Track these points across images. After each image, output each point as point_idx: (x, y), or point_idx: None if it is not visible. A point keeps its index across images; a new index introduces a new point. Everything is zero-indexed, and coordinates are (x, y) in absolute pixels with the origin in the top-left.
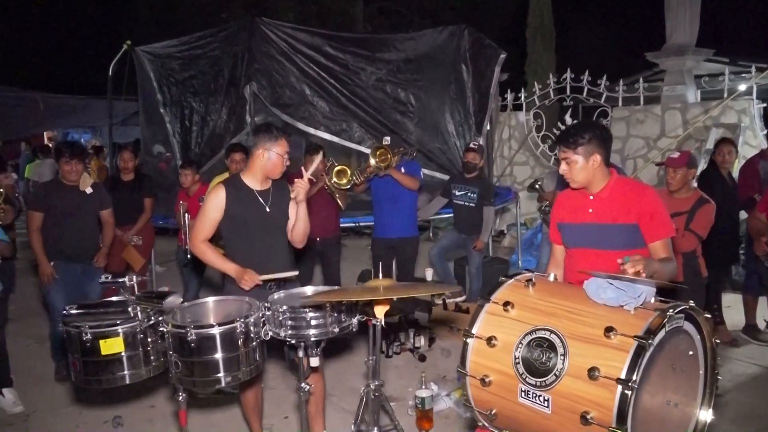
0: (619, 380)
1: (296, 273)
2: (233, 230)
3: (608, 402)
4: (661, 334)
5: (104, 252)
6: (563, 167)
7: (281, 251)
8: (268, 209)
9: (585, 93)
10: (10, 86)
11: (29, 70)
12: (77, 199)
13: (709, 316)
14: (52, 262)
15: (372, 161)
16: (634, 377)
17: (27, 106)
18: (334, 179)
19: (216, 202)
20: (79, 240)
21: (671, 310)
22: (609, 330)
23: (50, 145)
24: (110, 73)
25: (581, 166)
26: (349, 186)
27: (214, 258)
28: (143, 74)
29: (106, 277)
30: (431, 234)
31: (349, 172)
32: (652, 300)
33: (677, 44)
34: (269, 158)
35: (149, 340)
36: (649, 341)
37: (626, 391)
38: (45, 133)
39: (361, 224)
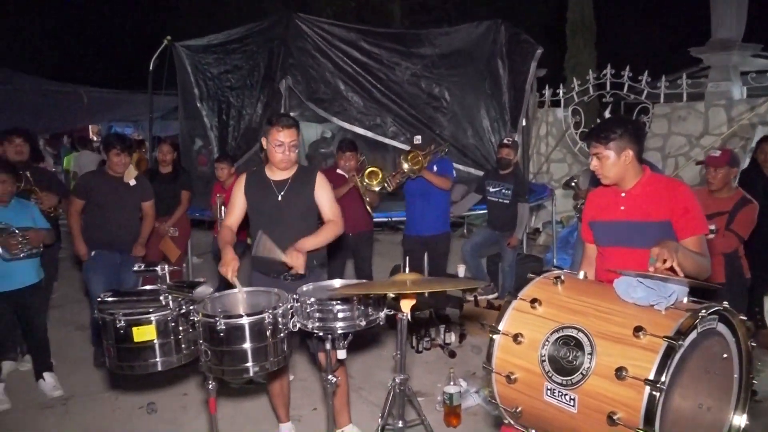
0: (647, 381)
1: (282, 259)
2: (252, 217)
3: (636, 403)
4: (693, 335)
5: (141, 242)
6: (594, 163)
7: (296, 241)
8: (279, 198)
9: (625, 89)
10: (55, 81)
11: (73, 65)
12: (120, 190)
13: (745, 318)
14: (93, 251)
15: (405, 166)
16: (662, 378)
17: (72, 101)
18: (366, 180)
19: (237, 188)
20: (120, 230)
21: (704, 311)
22: (638, 330)
23: (95, 138)
24: (151, 68)
25: (612, 161)
26: (379, 188)
27: (221, 240)
28: (182, 69)
29: (140, 266)
30: (465, 230)
31: (380, 174)
32: (685, 300)
33: (723, 39)
34: (268, 147)
35: (181, 328)
36: (680, 342)
37: (654, 393)
38: (90, 127)
39: (394, 219)
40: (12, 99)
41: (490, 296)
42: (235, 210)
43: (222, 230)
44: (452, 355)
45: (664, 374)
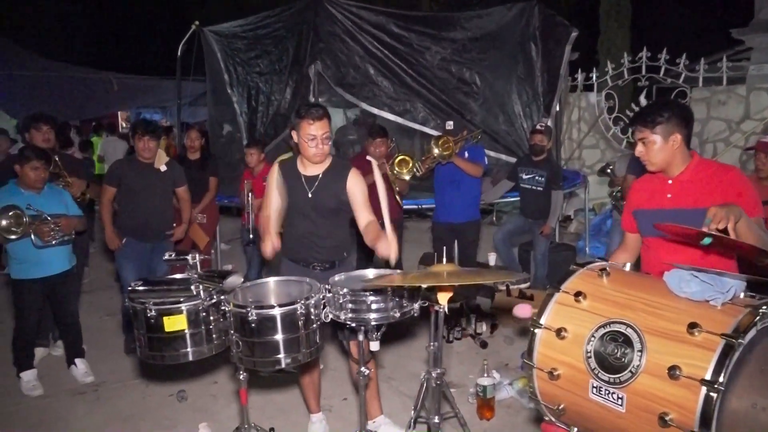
0: (703, 381)
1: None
2: (287, 210)
3: (690, 404)
4: (752, 333)
5: (183, 228)
6: (639, 148)
7: (329, 237)
8: (310, 195)
9: (662, 72)
10: (85, 67)
11: (103, 51)
12: (151, 176)
13: None
14: (124, 239)
15: (435, 151)
16: (720, 379)
17: (101, 87)
18: (396, 169)
19: (272, 177)
20: (151, 217)
21: (765, 307)
22: (693, 326)
23: (124, 125)
24: (179, 54)
25: (659, 146)
26: (409, 176)
27: (262, 227)
28: (210, 54)
29: (170, 255)
30: (494, 218)
31: (411, 163)
32: (742, 295)
33: (766, 20)
34: (299, 140)
35: (211, 318)
36: (739, 340)
37: (711, 394)
38: (119, 114)
39: (423, 207)
40: (42, 85)
41: (523, 285)
42: (272, 202)
43: (263, 221)
44: (484, 345)
45: (722, 374)
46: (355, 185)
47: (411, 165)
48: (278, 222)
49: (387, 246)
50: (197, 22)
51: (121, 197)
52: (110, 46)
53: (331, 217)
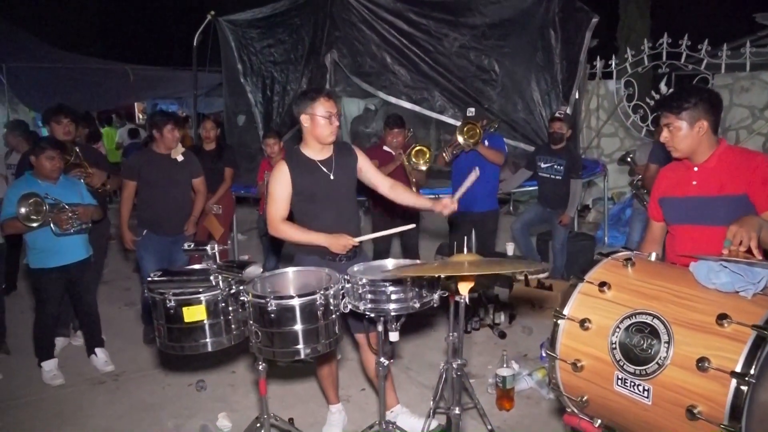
0: (733, 373)
1: (413, 226)
2: (301, 204)
3: (720, 397)
4: None
5: (193, 220)
6: (664, 134)
7: (352, 219)
8: (332, 177)
9: (683, 59)
10: (101, 59)
11: (118, 42)
12: (169, 167)
13: None
14: (144, 231)
15: (460, 139)
16: (751, 371)
17: (118, 78)
18: (413, 159)
19: (282, 178)
20: (171, 209)
21: None
22: (722, 317)
23: (140, 116)
24: (195, 44)
25: (685, 133)
26: (426, 167)
27: (299, 235)
28: (226, 44)
29: (189, 245)
30: (511, 208)
31: (428, 153)
32: None
33: None
34: (314, 122)
35: (230, 308)
36: None
37: (742, 386)
38: (136, 105)
39: (440, 196)
40: (59, 77)
41: (541, 275)
42: (283, 203)
43: (290, 229)
44: (502, 335)
45: (753, 367)
46: (364, 159)
47: (428, 155)
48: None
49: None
50: (213, 12)
51: (140, 190)
52: (126, 37)
53: (351, 197)
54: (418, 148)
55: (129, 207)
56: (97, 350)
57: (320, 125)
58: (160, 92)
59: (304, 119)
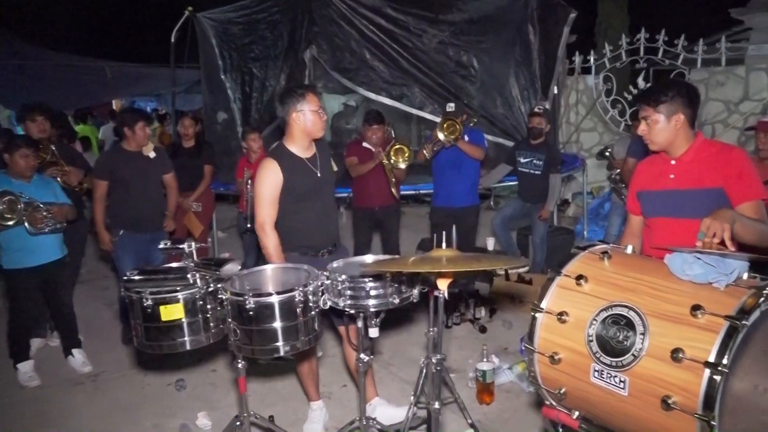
0: (707, 363)
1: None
2: (289, 203)
3: (694, 387)
4: (756, 314)
5: (170, 216)
6: (642, 127)
7: (332, 215)
8: (319, 174)
9: (660, 54)
10: (78, 55)
11: (95, 39)
12: (142, 164)
13: None
14: (122, 231)
15: (440, 135)
16: (724, 361)
17: (95, 75)
18: (393, 158)
19: (274, 179)
20: (147, 206)
21: None
22: (696, 308)
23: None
24: (172, 40)
25: (662, 126)
26: (405, 165)
27: (275, 250)
28: (205, 40)
29: (165, 243)
30: (492, 202)
31: (407, 152)
32: (745, 276)
33: None
34: (307, 119)
35: (209, 306)
36: (743, 322)
37: (715, 376)
38: (113, 102)
39: (421, 192)
40: (35, 75)
41: (521, 270)
42: (276, 203)
43: (275, 239)
44: (483, 330)
45: (726, 356)
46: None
47: (407, 154)
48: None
49: None
50: (190, 8)
51: (114, 190)
52: (103, 34)
53: (332, 194)
54: (397, 146)
55: (103, 208)
56: (75, 351)
57: (313, 121)
58: (139, 89)
59: (296, 117)
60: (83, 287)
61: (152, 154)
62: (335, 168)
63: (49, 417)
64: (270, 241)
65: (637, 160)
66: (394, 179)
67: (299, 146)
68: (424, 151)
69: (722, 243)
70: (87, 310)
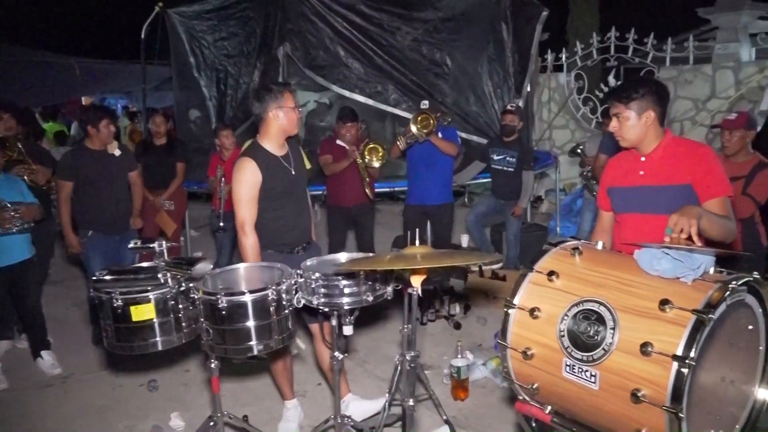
0: (674, 357)
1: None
2: (265, 202)
3: (662, 380)
4: (722, 307)
5: (136, 213)
6: (613, 124)
7: (305, 213)
8: (293, 172)
9: (630, 52)
10: (46, 51)
11: (63, 34)
12: (107, 163)
13: None
14: (90, 232)
15: (413, 128)
16: (691, 354)
17: (64, 72)
18: (366, 156)
19: (253, 178)
20: (115, 206)
21: (734, 283)
22: (664, 303)
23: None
24: (143, 37)
25: (633, 122)
26: (379, 164)
27: (252, 251)
28: (176, 37)
29: (136, 243)
30: (466, 200)
31: (381, 151)
32: (711, 270)
33: None
34: (284, 116)
35: (181, 306)
36: (709, 315)
37: (683, 369)
38: (83, 99)
39: (395, 190)
40: (1, 71)
41: (495, 266)
42: (256, 203)
43: (256, 244)
44: (457, 326)
45: (693, 350)
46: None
47: (381, 153)
48: None
49: None
50: (161, 4)
51: (79, 190)
52: (72, 30)
53: (306, 191)
54: (371, 145)
55: (69, 209)
56: (43, 353)
57: (290, 118)
58: (108, 86)
59: (273, 114)
60: (52, 288)
61: (117, 152)
62: (309, 165)
63: (17, 420)
64: (249, 241)
65: (608, 157)
66: (368, 179)
67: (274, 144)
68: (398, 143)
69: (689, 238)
70: (56, 311)
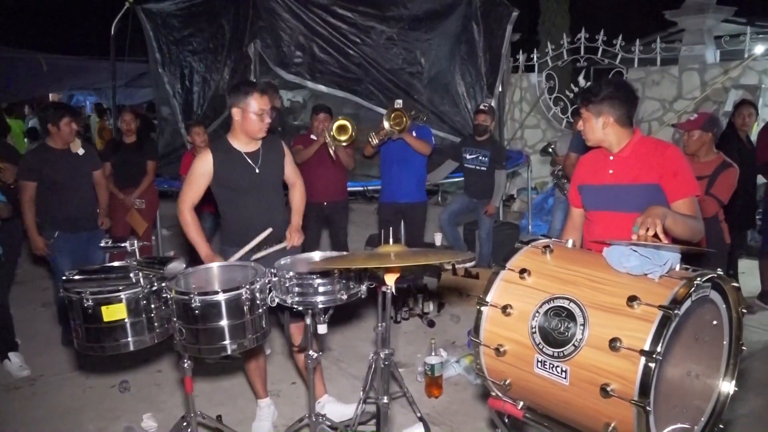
0: (642, 352)
1: (283, 245)
2: (224, 194)
3: (630, 374)
4: (687, 303)
5: (103, 213)
6: (579, 124)
7: (276, 212)
8: (257, 170)
9: (600, 53)
10: (12, 47)
11: (30, 29)
12: (71, 162)
13: (737, 285)
14: (56, 232)
15: (386, 125)
16: (658, 349)
17: (30, 68)
18: (335, 135)
19: (204, 167)
20: (80, 205)
21: (699, 279)
22: (632, 299)
23: None
24: (112, 33)
25: (591, 124)
26: (348, 143)
27: (194, 233)
28: (146, 33)
29: (107, 242)
30: (440, 198)
31: (350, 127)
32: (677, 267)
33: (697, 2)
34: (245, 118)
35: (153, 306)
36: (675, 311)
37: (650, 363)
38: (50, 96)
39: (369, 188)
40: None
41: (468, 264)
42: (199, 190)
43: (193, 222)
44: (431, 324)
45: (660, 344)
46: (288, 155)
47: (350, 131)
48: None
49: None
50: (131, 0)
51: (43, 191)
52: (38, 24)
53: (277, 190)
54: (339, 123)
55: (33, 210)
56: (11, 354)
57: (251, 121)
58: (77, 83)
59: (236, 112)
60: (20, 288)
61: (81, 151)
62: (289, 167)
63: None
64: (184, 218)
65: (578, 155)
66: (342, 155)
67: (240, 141)
68: (370, 140)
69: (656, 236)
70: (24, 312)
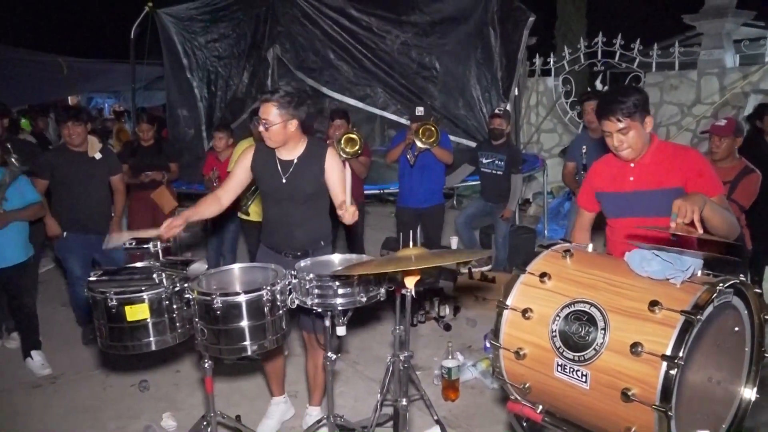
0: (664, 357)
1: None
2: (261, 190)
3: (651, 379)
4: (710, 309)
5: (116, 221)
6: (613, 137)
7: (300, 226)
8: (284, 180)
9: (617, 57)
10: (33, 50)
11: (51, 33)
12: (85, 165)
13: (759, 291)
14: (65, 233)
15: (419, 143)
16: (680, 354)
17: (51, 71)
18: (342, 145)
19: (244, 159)
20: (88, 208)
21: (721, 285)
22: (654, 304)
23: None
24: (132, 37)
25: (639, 132)
26: (355, 156)
27: (195, 207)
28: (167, 38)
29: (131, 243)
30: (455, 202)
31: (359, 142)
32: (699, 273)
33: (716, 5)
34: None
35: (175, 306)
36: (697, 317)
37: (671, 369)
38: (69, 99)
39: (385, 191)
40: None
41: (484, 268)
42: (234, 177)
43: (207, 196)
44: (447, 328)
45: (682, 350)
46: (332, 169)
47: (357, 146)
48: (232, 198)
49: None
50: (150, 4)
51: (55, 190)
52: (59, 28)
53: (307, 203)
54: (351, 135)
55: (46, 202)
56: (33, 353)
57: (257, 128)
58: (96, 86)
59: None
60: (40, 287)
61: (98, 156)
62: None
63: (5, 420)
64: (204, 198)
65: (575, 164)
66: (354, 166)
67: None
68: (408, 157)
69: (692, 224)
70: (45, 310)
